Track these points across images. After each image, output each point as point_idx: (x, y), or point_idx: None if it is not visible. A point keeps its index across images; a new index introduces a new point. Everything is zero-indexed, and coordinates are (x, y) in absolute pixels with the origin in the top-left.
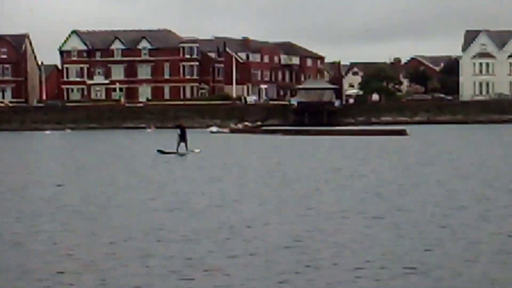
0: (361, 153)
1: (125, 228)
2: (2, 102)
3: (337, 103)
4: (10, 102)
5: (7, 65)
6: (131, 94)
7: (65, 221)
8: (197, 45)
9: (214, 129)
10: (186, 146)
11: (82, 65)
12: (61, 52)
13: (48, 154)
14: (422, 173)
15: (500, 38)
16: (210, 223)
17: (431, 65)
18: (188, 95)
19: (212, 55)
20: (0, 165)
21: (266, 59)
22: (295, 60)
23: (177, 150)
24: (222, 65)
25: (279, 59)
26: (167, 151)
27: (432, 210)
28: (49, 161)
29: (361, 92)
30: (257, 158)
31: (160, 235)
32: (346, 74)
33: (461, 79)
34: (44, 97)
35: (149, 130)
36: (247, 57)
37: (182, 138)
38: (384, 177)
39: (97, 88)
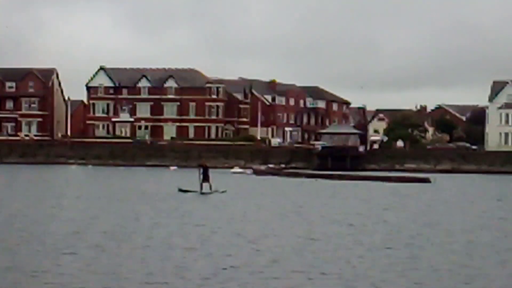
0: (380, 200)
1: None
2: (27, 135)
3: (361, 148)
4: (35, 135)
5: (34, 99)
6: (156, 132)
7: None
8: (223, 85)
9: (236, 169)
10: (210, 185)
11: (108, 102)
12: (88, 88)
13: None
14: (439, 223)
15: None
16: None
17: (457, 114)
18: (212, 135)
19: (238, 96)
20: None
21: (292, 102)
22: (321, 104)
23: (200, 189)
24: (248, 107)
25: (305, 103)
26: (188, 189)
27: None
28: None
29: (386, 138)
30: (278, 201)
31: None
32: (371, 120)
33: (487, 129)
34: (69, 132)
35: (171, 168)
36: (273, 99)
37: (205, 177)
38: (397, 224)
39: (122, 125)
